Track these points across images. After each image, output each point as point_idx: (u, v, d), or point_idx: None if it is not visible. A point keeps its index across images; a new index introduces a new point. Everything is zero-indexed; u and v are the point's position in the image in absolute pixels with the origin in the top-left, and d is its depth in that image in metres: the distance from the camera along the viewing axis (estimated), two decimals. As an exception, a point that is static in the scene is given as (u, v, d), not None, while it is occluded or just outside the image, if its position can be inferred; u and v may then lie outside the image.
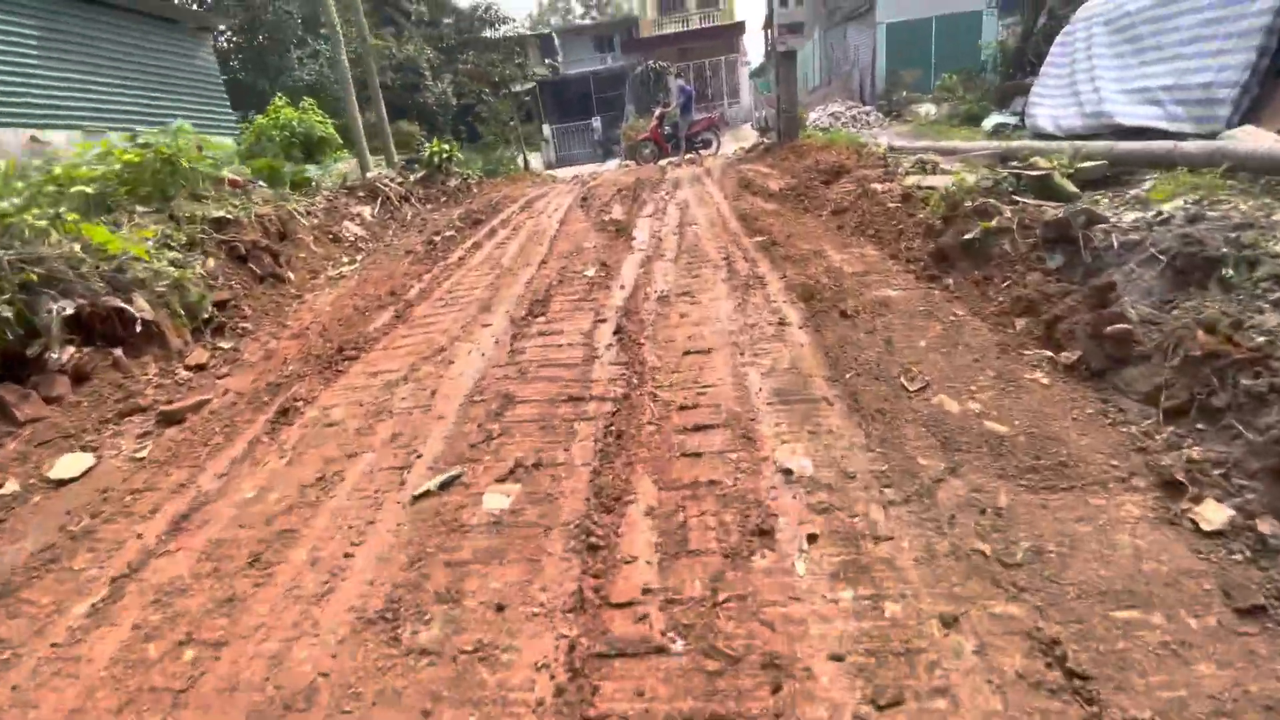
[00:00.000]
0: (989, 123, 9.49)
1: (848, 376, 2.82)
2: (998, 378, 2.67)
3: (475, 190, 9.22)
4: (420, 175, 8.98)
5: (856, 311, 3.41)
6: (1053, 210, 3.36)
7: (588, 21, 45.15)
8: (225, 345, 4.31)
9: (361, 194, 7.38)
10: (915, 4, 23.50)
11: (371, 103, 10.79)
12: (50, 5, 8.22)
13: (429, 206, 8.07)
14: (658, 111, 14.01)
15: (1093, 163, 4.11)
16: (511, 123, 13.15)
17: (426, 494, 2.50)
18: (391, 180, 7.84)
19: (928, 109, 20.65)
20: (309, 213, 6.21)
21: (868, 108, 21.44)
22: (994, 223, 3.52)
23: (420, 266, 5.72)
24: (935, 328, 3.16)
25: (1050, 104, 8.02)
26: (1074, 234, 3.14)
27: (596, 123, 29.80)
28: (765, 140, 11.36)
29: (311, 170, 7.74)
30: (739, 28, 25.60)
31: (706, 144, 14.00)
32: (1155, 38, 6.74)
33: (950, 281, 3.56)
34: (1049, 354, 2.72)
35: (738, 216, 6.10)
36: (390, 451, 2.84)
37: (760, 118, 24.93)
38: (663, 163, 14.24)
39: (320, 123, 12.43)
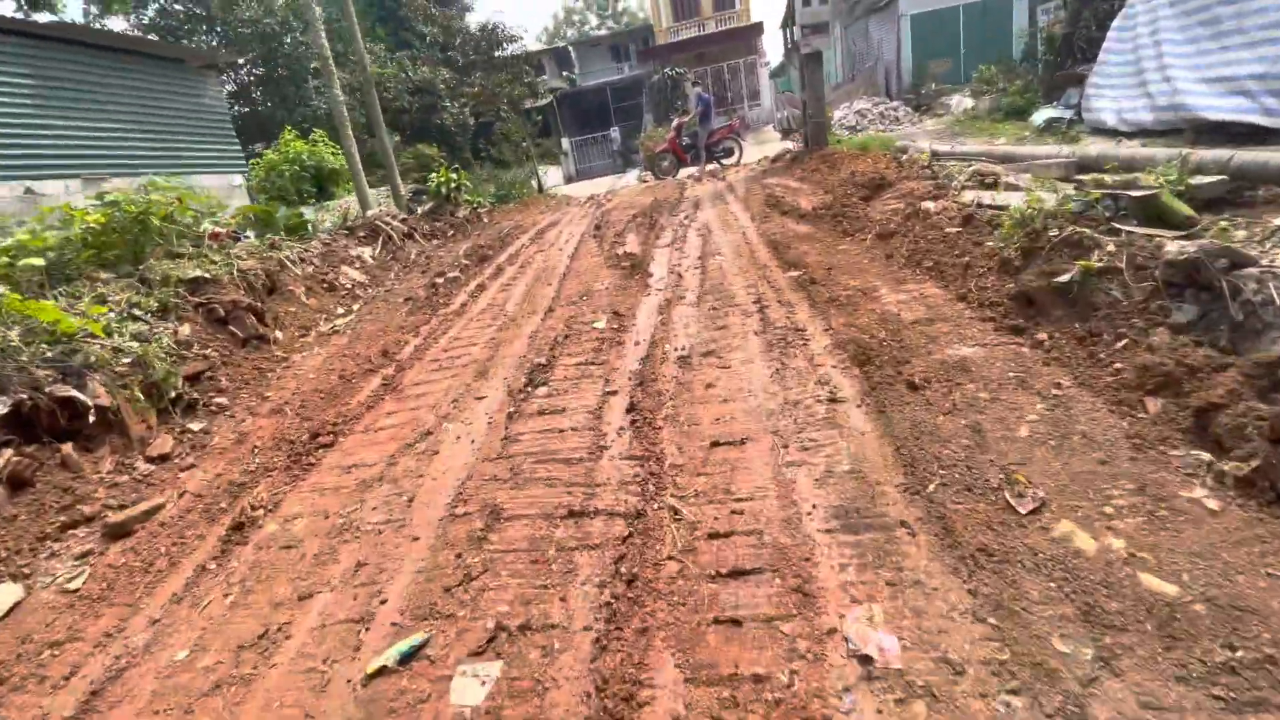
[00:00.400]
0: (1039, 117, 8.63)
1: (930, 487, 2.14)
2: (1140, 493, 1.97)
3: (486, 220, 8.74)
4: (428, 207, 8.55)
5: (927, 380, 2.73)
6: (1174, 246, 2.63)
7: (603, 32, 45.00)
8: (195, 427, 3.83)
9: (362, 234, 6.95)
10: (941, -7, 22.49)
11: (378, 131, 10.42)
12: (43, 50, 8.02)
13: (435, 242, 7.61)
14: (675, 121, 13.41)
15: (1209, 178, 3.34)
16: (525, 144, 12.69)
17: (383, 670, 1.93)
18: (394, 217, 7.39)
19: (962, 102, 19.65)
20: (302, 259, 5.77)
21: (895, 103, 20.50)
22: (1094, 260, 2.81)
23: (418, 316, 5.21)
24: (1035, 406, 2.46)
25: (1113, 95, 7.16)
26: (1210, 280, 2.43)
27: (615, 133, 29.41)
28: (791, 147, 10.64)
29: (308, 212, 7.34)
30: (756, 29, 24.86)
31: (728, 153, 13.34)
32: (1236, 19, 5.88)
33: (1043, 337, 2.84)
34: (1207, 457, 2.00)
35: (767, 243, 5.45)
36: (350, 592, 2.27)
37: (782, 118, 24.15)
38: (683, 174, 13.63)
39: (332, 154, 12.16)
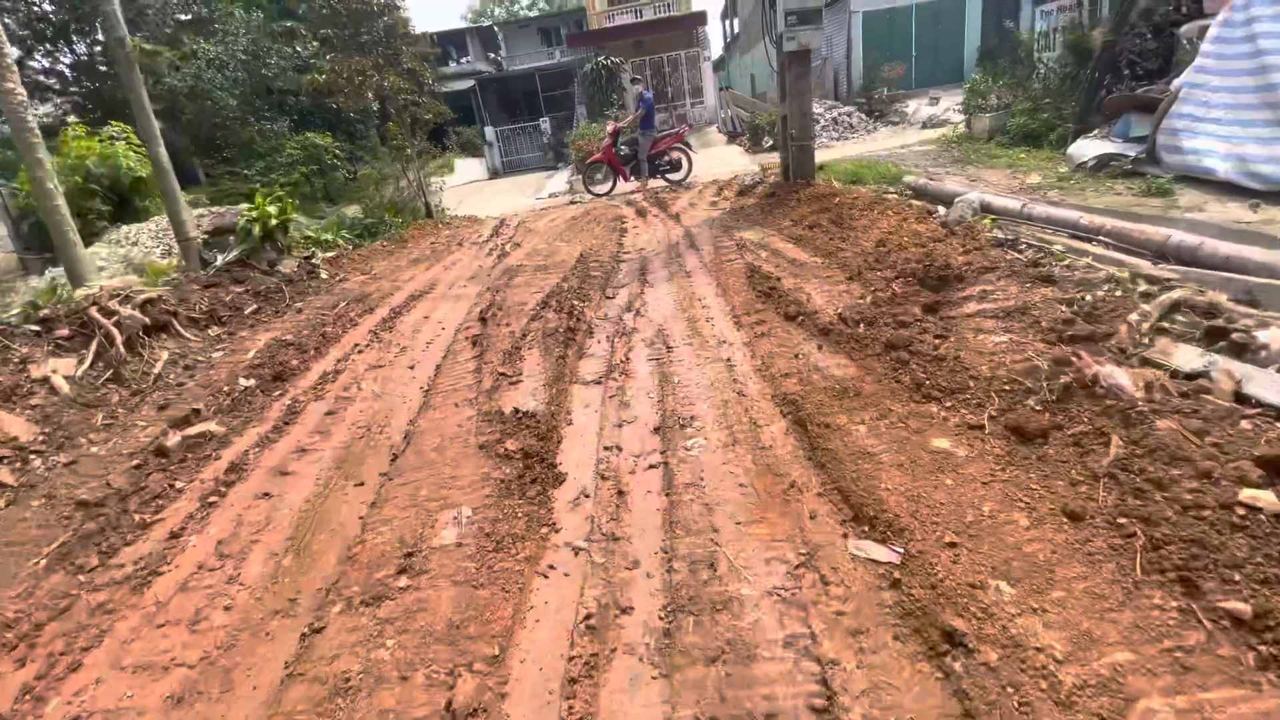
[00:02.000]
0: (1083, 151, 6.49)
1: None
2: None
3: (326, 277, 5.64)
4: (233, 255, 5.44)
5: None
6: None
7: (533, 14, 41.08)
8: None
9: (67, 332, 3.86)
10: (894, -9, 20.60)
11: (141, 120, 6.63)
12: None
13: (219, 329, 4.49)
14: (610, 126, 10.57)
15: None
16: (407, 150, 9.57)
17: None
18: (130, 299, 4.17)
19: (920, 109, 17.80)
20: None
21: (847, 108, 18.45)
22: None
23: (69, 575, 2.31)
24: None
25: (1222, 134, 5.02)
26: None
27: (545, 124, 26.14)
28: (758, 173, 8.07)
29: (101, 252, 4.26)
30: (698, 17, 22.20)
31: (674, 166, 10.68)
32: None
33: None
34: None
35: (783, 410, 2.79)
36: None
37: (726, 118, 21.71)
38: (622, 190, 10.87)
39: (138, 153, 8.63)
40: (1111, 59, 7.10)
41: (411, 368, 3.76)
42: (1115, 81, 7.06)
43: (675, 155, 10.72)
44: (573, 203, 10.22)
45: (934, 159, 8.68)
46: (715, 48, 36.04)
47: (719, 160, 14.33)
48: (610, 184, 10.91)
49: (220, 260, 5.49)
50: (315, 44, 19.82)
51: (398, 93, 8.11)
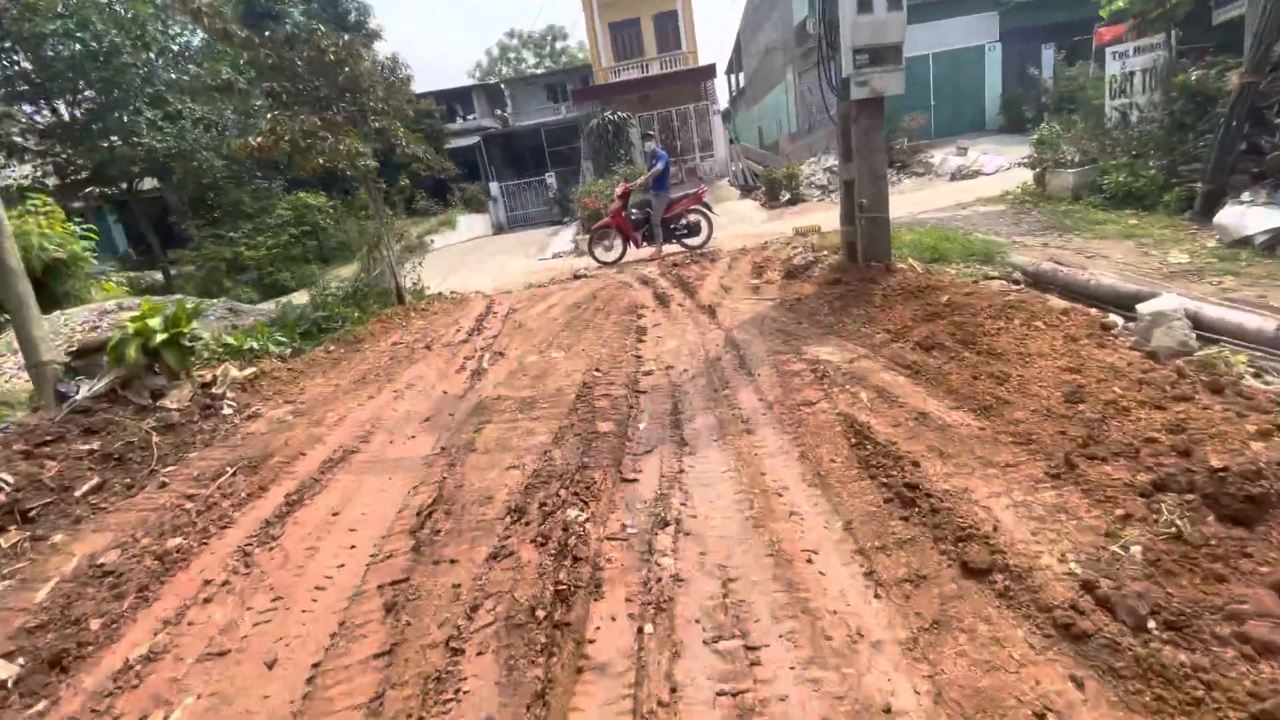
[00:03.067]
0: (1243, 223, 4.84)
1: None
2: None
3: (232, 412, 3.95)
4: (101, 385, 3.82)
5: None
6: None
7: (540, 71, 40.97)
8: None
9: None
10: (909, 40, 19.63)
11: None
12: None
13: (15, 537, 2.84)
14: (620, 187, 9.09)
15: None
16: (383, 221, 8.09)
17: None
18: None
19: (949, 160, 16.45)
20: None
21: (871, 161, 17.18)
22: None
23: None
24: None
25: None
26: None
27: (550, 179, 25.15)
28: (805, 248, 6.40)
29: None
30: (707, 71, 21.27)
31: (693, 230, 9.14)
32: None
33: None
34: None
35: None
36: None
37: (738, 171, 20.49)
38: (632, 258, 9.31)
39: (60, 231, 7.13)
40: (1252, 106, 5.53)
41: (271, 665, 2.00)
42: (1263, 133, 5.48)
43: (693, 218, 9.19)
44: (577, 276, 8.58)
45: (1014, 223, 7.06)
46: (722, 99, 35.56)
47: (737, 217, 12.82)
48: (619, 251, 9.35)
49: (81, 393, 3.83)
50: (264, 100, 18.84)
51: (354, 157, 6.64)
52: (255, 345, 4.97)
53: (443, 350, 5.21)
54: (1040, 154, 8.33)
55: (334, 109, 6.67)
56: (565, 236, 17.14)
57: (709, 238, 9.25)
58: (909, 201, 12.14)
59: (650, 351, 4.42)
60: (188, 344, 4.07)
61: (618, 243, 9.26)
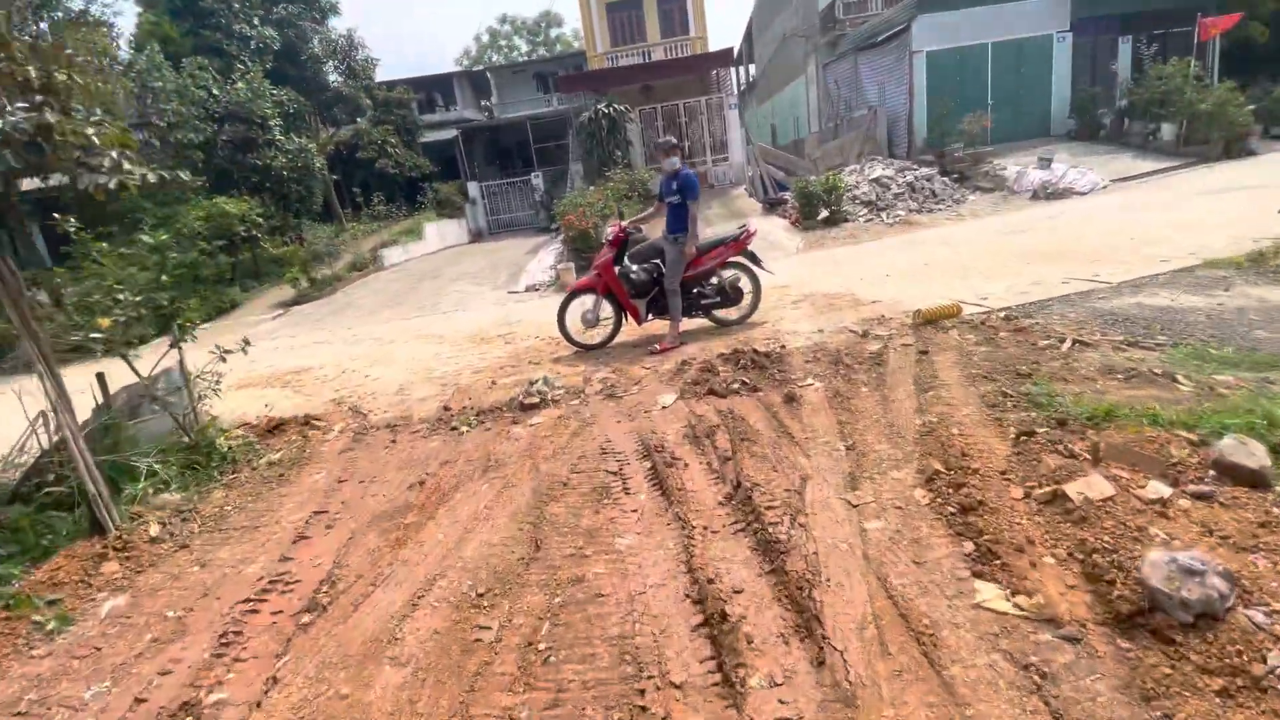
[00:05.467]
0: None
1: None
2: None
3: None
4: None
5: None
6: None
7: (528, 59, 36.89)
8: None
9: None
10: (964, 26, 16.00)
11: None
12: None
13: None
14: (611, 229, 5.31)
15: None
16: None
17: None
18: None
19: (1027, 174, 12.79)
20: None
21: (925, 171, 13.55)
22: None
23: None
24: None
25: None
26: None
27: (537, 179, 21.38)
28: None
29: None
30: (721, 57, 17.49)
31: (729, 296, 5.49)
32: None
33: None
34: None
35: None
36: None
37: (754, 178, 16.80)
38: (625, 337, 5.68)
39: None
40: None
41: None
42: None
43: (730, 274, 5.55)
44: (526, 406, 4.44)
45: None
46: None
47: (764, 245, 9.08)
48: (610, 330, 5.67)
49: None
50: (242, 87, 15.01)
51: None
52: None
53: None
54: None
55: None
56: (545, 259, 13.40)
57: (755, 307, 5.63)
58: (966, 222, 8.06)
59: None
60: None
61: (607, 311, 5.60)
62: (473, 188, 21.61)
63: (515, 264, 13.98)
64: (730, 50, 17.22)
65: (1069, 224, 8.56)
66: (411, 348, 7.05)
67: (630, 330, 5.74)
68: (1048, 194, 12.47)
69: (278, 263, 15.05)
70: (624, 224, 5.32)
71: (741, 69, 30.75)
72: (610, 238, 5.27)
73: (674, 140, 5.29)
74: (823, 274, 7.56)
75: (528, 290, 11.63)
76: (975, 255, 7.24)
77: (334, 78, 17.72)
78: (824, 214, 12.44)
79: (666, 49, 20.25)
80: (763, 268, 5.55)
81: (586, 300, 5.55)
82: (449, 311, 10.47)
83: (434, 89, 28.80)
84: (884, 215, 12.52)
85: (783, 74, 25.79)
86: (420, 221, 19.12)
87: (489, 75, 29.32)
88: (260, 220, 14.53)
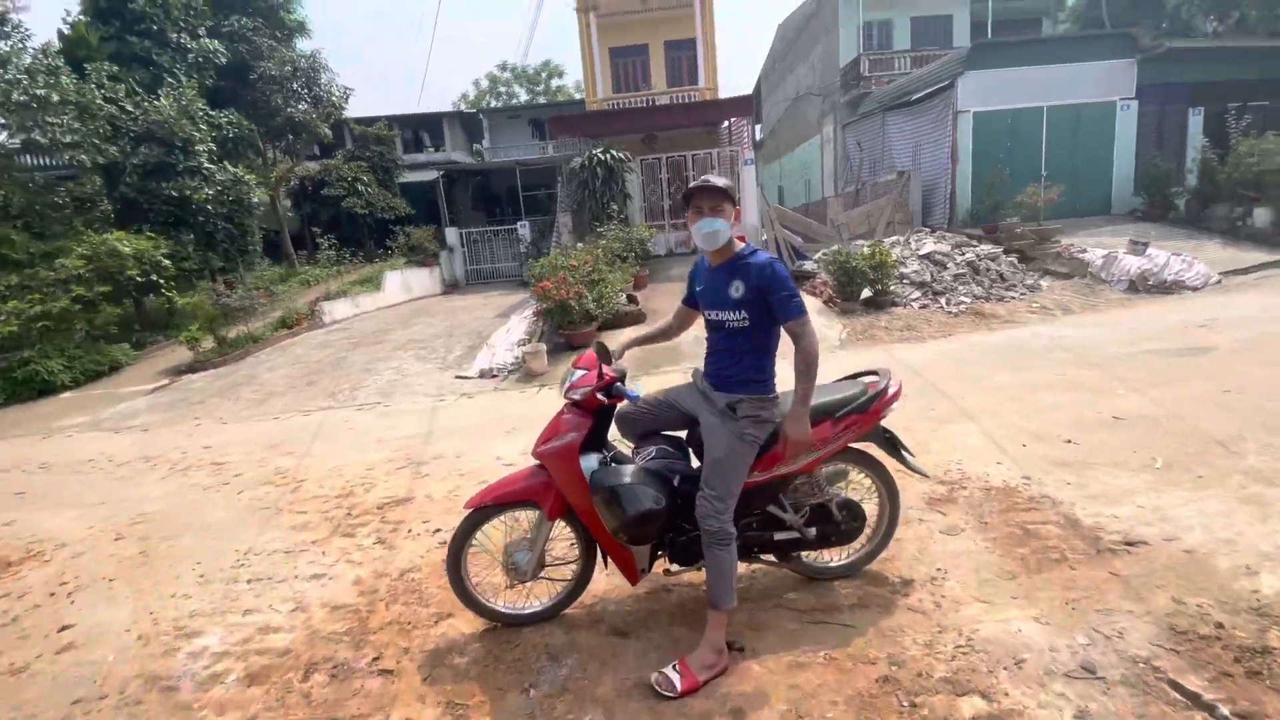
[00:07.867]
0: None
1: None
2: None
3: None
4: None
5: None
6: None
7: (523, 103, 34.90)
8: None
9: None
10: (1016, 87, 13.76)
11: None
12: None
13: None
14: (579, 373, 2.33)
15: None
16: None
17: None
18: None
19: (1117, 259, 9.95)
20: None
21: (989, 249, 10.84)
22: None
23: None
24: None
25: None
26: None
27: (524, 229, 18.46)
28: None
29: None
30: (738, 105, 15.02)
31: (831, 528, 2.33)
32: None
33: None
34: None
35: None
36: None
37: (767, 242, 14.01)
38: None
39: None
40: None
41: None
42: None
43: (834, 480, 2.34)
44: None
45: None
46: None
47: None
48: (564, 588, 2.44)
49: None
50: (168, 104, 12.13)
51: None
52: None
53: None
54: None
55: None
56: (515, 330, 10.32)
57: (884, 544, 2.45)
58: (1084, 326, 4.36)
59: None
60: None
61: (560, 548, 2.37)
62: (451, 234, 18.68)
63: (478, 331, 10.85)
64: (749, 98, 14.79)
65: (1242, 340, 5.62)
66: (222, 512, 3.80)
67: (606, 576, 2.53)
68: (1148, 286, 9.64)
69: (181, 314, 11.79)
70: (611, 371, 2.17)
71: (755, 125, 28.72)
72: (576, 392, 2.14)
73: (724, 183, 2.17)
74: (921, 402, 4.46)
75: (481, 376, 8.45)
76: (1179, 400, 4.21)
77: (297, 104, 14.97)
78: (867, 293, 9.54)
79: (673, 98, 17.93)
80: (910, 463, 2.42)
81: (519, 517, 2.36)
82: (364, 405, 7.28)
83: (422, 127, 26.45)
84: (944, 301, 9.60)
85: (794, 134, 23.72)
86: (382, 269, 16.04)
87: (482, 117, 27.10)
88: (165, 263, 11.31)
